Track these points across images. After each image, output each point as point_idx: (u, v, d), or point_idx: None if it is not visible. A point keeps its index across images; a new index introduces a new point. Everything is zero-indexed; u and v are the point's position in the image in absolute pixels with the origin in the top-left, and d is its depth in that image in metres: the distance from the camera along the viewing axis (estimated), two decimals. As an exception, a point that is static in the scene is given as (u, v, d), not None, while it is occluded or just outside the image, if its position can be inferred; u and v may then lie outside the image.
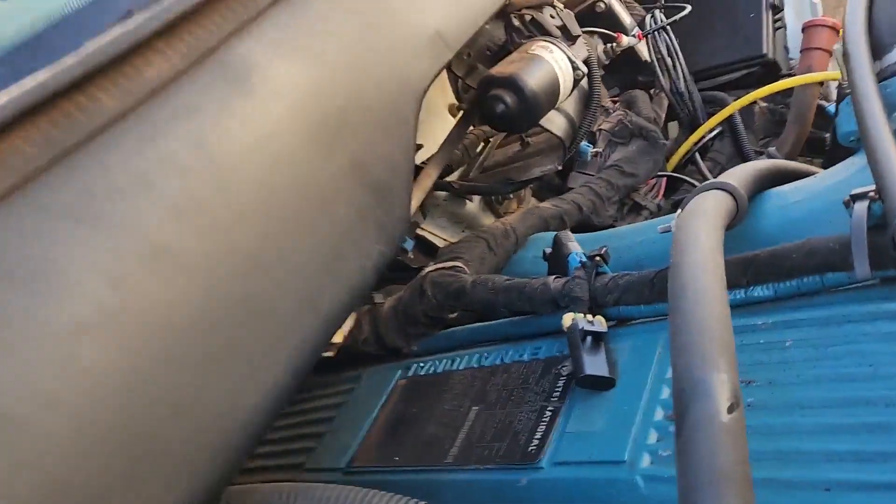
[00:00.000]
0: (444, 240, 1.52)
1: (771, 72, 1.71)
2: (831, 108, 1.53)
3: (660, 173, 1.54)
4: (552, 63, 1.14)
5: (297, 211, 0.67)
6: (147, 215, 0.54)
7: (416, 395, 1.07)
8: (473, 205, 1.54)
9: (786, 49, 1.77)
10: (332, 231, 0.68)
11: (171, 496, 0.53)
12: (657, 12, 1.61)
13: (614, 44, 1.54)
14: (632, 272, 0.92)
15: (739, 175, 0.92)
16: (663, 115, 1.60)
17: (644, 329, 0.89)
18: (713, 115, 1.65)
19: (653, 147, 1.48)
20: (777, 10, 1.71)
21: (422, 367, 1.12)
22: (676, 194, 1.62)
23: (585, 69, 1.22)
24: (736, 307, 0.83)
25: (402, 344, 1.20)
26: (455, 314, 1.25)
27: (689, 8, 1.59)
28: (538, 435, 0.85)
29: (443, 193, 1.47)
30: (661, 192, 1.58)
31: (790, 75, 1.66)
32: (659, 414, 0.77)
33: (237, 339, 0.60)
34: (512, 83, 1.10)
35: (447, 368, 1.08)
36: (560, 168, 1.36)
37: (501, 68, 1.13)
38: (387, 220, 0.72)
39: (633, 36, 1.54)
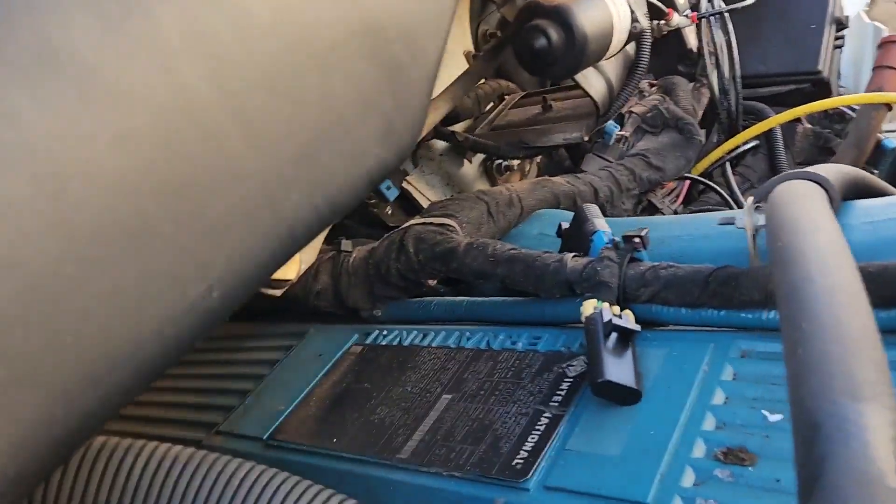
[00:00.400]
0: (430, 201, 1.31)
1: (820, 92, 1.54)
2: (889, 142, 1.36)
3: (686, 175, 1.35)
4: (610, 6, 0.94)
5: (276, 71, 0.45)
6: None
7: (371, 368, 0.86)
8: (471, 167, 1.33)
9: (839, 73, 1.61)
10: (320, 110, 0.47)
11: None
12: (715, -3, 1.43)
13: (663, 21, 1.34)
14: (678, 264, 0.72)
15: (830, 172, 0.73)
16: (700, 112, 1.42)
17: (685, 337, 0.69)
18: (751, 126, 1.47)
19: (687, 142, 1.29)
20: (841, 26, 1.54)
21: (384, 336, 0.91)
22: (696, 203, 1.44)
23: (646, 24, 1.02)
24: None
25: (365, 305, 0.99)
26: (435, 281, 1.04)
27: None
28: (527, 446, 0.64)
29: (442, 144, 1.26)
30: (682, 196, 1.40)
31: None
32: (700, 449, 0.58)
33: (171, 222, 0.39)
34: (560, 15, 0.90)
35: (416, 342, 0.87)
36: (586, 139, 1.17)
37: (550, -3, 0.93)
38: (396, 116, 0.51)
39: (686, 16, 1.35)
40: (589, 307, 0.69)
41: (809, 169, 0.74)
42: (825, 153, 1.51)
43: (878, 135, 1.34)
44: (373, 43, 0.50)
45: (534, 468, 0.62)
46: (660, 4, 1.29)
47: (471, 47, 1.35)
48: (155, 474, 0.49)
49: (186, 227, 0.39)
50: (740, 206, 1.36)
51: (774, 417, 0.58)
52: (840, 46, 1.56)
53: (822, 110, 1.48)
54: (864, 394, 0.35)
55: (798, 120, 1.49)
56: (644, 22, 1.02)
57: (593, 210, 0.85)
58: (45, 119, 0.35)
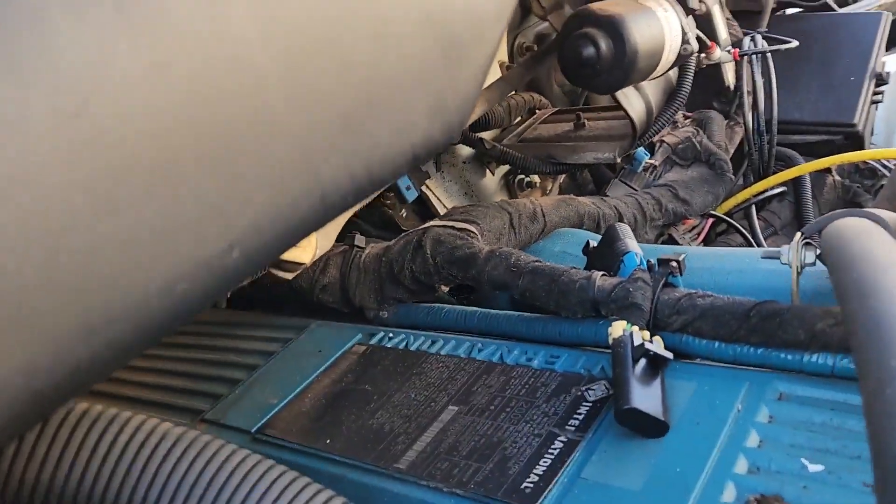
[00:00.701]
0: (447, 208, 1.27)
1: (853, 146, 1.51)
2: (921, 201, 1.33)
3: (710, 213, 1.31)
4: (663, 22, 0.91)
5: (330, 30, 0.41)
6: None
7: (373, 369, 0.81)
8: (493, 179, 1.29)
9: (872, 129, 1.58)
10: (370, 75, 0.43)
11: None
12: (759, 37, 1.40)
13: (704, 54, 1.31)
14: (717, 294, 0.68)
15: (884, 214, 0.69)
16: (732, 151, 1.38)
17: (717, 373, 0.65)
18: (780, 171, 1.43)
19: (717, 179, 1.26)
20: (881, 81, 1.52)
21: (390, 338, 0.86)
22: (716, 243, 1.40)
23: (696, 47, 0.99)
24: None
25: (372, 304, 0.94)
26: (448, 288, 1.00)
27: (796, 42, 1.38)
28: (539, 470, 0.60)
29: (466, 151, 1.22)
30: (704, 234, 1.36)
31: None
32: (730, 493, 0.53)
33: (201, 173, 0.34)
34: (613, 25, 0.87)
35: (423, 348, 0.83)
36: (618, 160, 1.13)
37: (602, 5, 0.89)
38: (449, 94, 0.47)
39: (728, 52, 1.32)
40: (618, 329, 0.65)
41: (861, 211, 0.70)
42: (853, 207, 1.47)
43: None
44: (435, 16, 0.46)
45: (544, 494, 0.57)
46: (703, 37, 1.26)
47: (505, 58, 1.31)
48: (139, 451, 0.44)
49: (214, 175, 0.35)
50: (763, 251, 1.32)
51: (815, 468, 0.53)
52: (878, 102, 1.53)
53: (854, 164, 1.45)
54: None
55: (828, 171, 1.45)
56: (694, 44, 0.99)
57: (625, 230, 0.81)
58: (78, 31, 0.31)
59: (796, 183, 1.42)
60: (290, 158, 0.39)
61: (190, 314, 0.37)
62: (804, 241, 0.68)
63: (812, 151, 1.54)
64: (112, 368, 0.34)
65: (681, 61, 1.00)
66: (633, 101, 1.04)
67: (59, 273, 0.30)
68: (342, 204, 0.41)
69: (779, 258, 0.70)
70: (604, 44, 0.87)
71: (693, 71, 1.10)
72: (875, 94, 1.51)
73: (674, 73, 1.13)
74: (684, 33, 0.96)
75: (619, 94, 1.01)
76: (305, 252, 0.74)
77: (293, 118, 0.39)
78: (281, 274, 0.76)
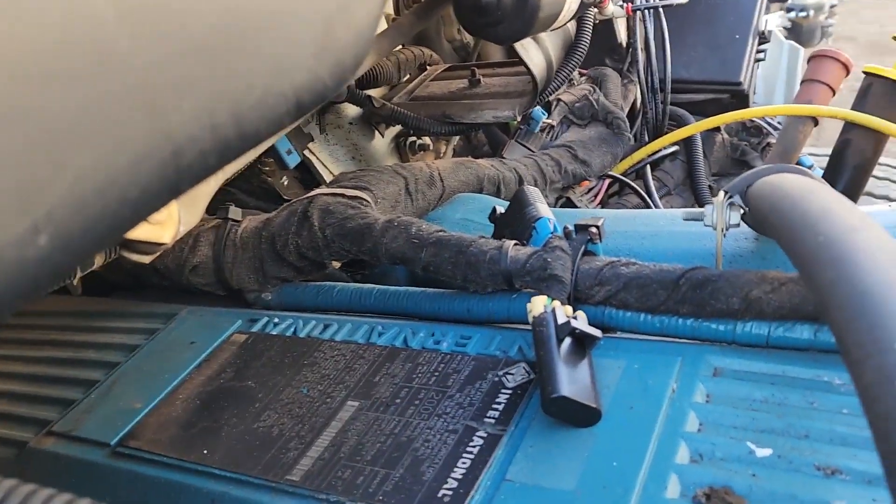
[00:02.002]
0: (333, 175, 1.16)
1: (738, 104, 1.52)
2: (806, 159, 1.34)
3: (607, 173, 1.27)
4: (565, -33, 0.83)
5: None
6: None
7: (257, 362, 0.70)
8: (382, 142, 1.19)
9: (755, 87, 1.59)
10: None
11: None
12: (650, -8, 1.36)
13: (597, 9, 1.25)
14: (642, 262, 0.61)
15: (802, 171, 0.65)
16: (626, 109, 1.35)
17: (647, 348, 0.58)
18: (672, 131, 1.42)
19: (615, 139, 1.21)
20: (763, 40, 1.52)
21: (275, 324, 0.76)
22: (612, 204, 1.36)
23: (598, -4, 0.92)
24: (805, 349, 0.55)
25: (252, 285, 0.83)
26: (340, 263, 0.89)
27: (686, -1, 1.35)
28: (457, 473, 0.51)
29: (353, 111, 1.11)
30: (601, 196, 1.32)
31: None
32: (674, 488, 0.47)
33: None
34: (513, -31, 0.78)
35: (315, 334, 0.72)
36: (519, 118, 1.05)
37: (502, -53, 0.80)
38: (339, 23, 0.37)
39: (621, 6, 1.28)
40: (539, 305, 0.57)
41: (781, 165, 0.65)
42: (740, 165, 1.48)
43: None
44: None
45: (466, 502, 0.49)
46: (596, -11, 1.20)
47: (391, 10, 1.20)
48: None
49: (9, 122, 0.24)
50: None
51: (763, 452, 0.48)
52: (760, 60, 1.54)
53: (741, 122, 1.45)
54: None
55: (717, 130, 1.45)
56: (596, -6, 0.92)
57: (535, 194, 0.74)
58: None
59: (688, 142, 1.40)
60: (124, 97, 0.27)
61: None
62: (728, 200, 0.63)
63: (700, 110, 1.54)
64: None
65: (582, 10, 0.94)
66: (533, 54, 0.96)
67: None
68: (202, 164, 0.31)
69: (701, 220, 0.65)
70: (504, -12, 0.78)
71: (592, 24, 1.04)
72: (758, 51, 1.52)
73: (572, 27, 1.06)
74: (587, -21, 0.89)
75: (519, 48, 0.93)
76: (165, 229, 0.61)
77: (127, 41, 0.28)
78: (135, 257, 0.64)
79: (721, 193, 0.64)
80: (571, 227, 0.65)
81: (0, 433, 0.72)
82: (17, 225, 0.25)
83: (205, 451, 0.61)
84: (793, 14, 3.43)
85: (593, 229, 0.64)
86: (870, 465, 0.45)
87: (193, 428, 0.64)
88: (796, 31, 3.54)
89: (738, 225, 0.64)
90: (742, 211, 0.63)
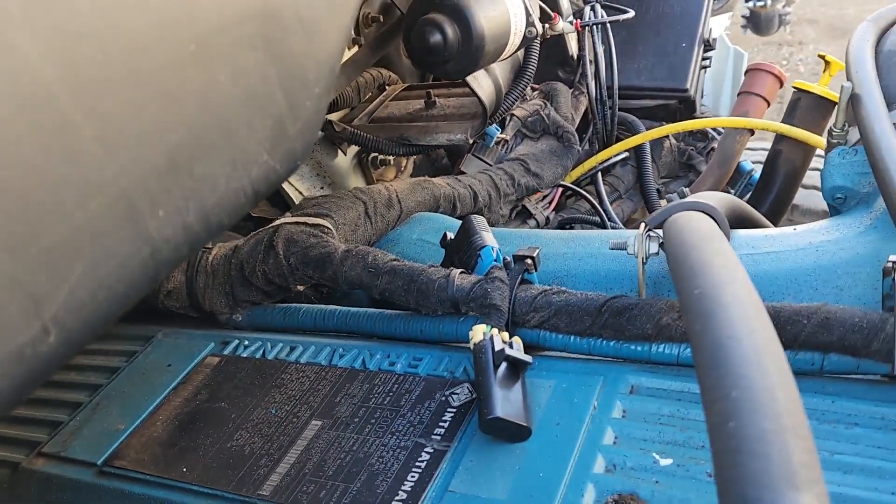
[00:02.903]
0: (300, 192, 1.22)
1: (686, 110, 1.59)
2: (746, 164, 1.43)
3: (560, 182, 1.35)
4: (508, 5, 0.90)
5: (145, 56, 0.36)
6: None
7: (229, 384, 0.77)
8: (345, 159, 1.25)
9: (702, 91, 1.67)
10: (197, 108, 0.38)
11: None
12: (598, 6, 1.43)
13: (548, 25, 1.32)
14: (569, 290, 0.69)
15: (716, 201, 0.73)
16: (577, 121, 1.42)
17: (574, 368, 0.66)
18: (622, 138, 1.50)
19: (565, 151, 1.29)
20: (708, 47, 1.60)
21: (245, 346, 0.82)
22: (566, 210, 1.44)
23: (540, 28, 0.99)
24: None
25: (223, 308, 0.89)
26: (304, 287, 0.96)
27: (632, 12, 1.42)
28: (406, 486, 0.59)
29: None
30: (555, 203, 1.39)
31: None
32: (590, 495, 0.55)
33: None
34: (458, 12, 0.85)
35: (282, 356, 0.79)
36: (470, 142, 1.12)
37: (446, -11, 0.86)
38: (289, 118, 0.43)
39: (570, 23, 1.35)
40: (479, 333, 0.65)
41: (696, 198, 0.73)
42: (687, 169, 1.57)
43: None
44: (266, 29, 0.42)
45: (414, 511, 0.57)
46: (547, 8, 1.27)
47: (351, 32, 1.26)
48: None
49: (15, 250, 0.30)
50: (609, 217, 1.38)
51: (665, 462, 0.56)
52: (706, 67, 1.62)
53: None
54: (801, 481, 0.33)
55: (665, 136, 1.53)
56: (538, 26, 0.99)
57: (481, 222, 0.81)
58: None
59: (637, 150, 1.48)
60: (109, 217, 0.34)
61: (6, 411, 0.32)
62: (647, 232, 0.71)
63: (650, 115, 1.61)
64: None
65: (526, 43, 1.00)
66: (483, 81, 1.03)
67: None
68: (176, 258, 0.37)
69: (626, 249, 0.72)
70: (450, 30, 0.85)
71: (538, 49, 1.11)
72: (704, 59, 1.60)
73: (520, 52, 1.13)
74: (528, 15, 0.96)
75: (469, 78, 1.00)
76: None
77: (109, 169, 0.34)
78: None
79: (641, 226, 0.72)
80: (510, 258, 0.73)
81: (-7, 455, 0.79)
82: (31, 329, 0.31)
83: (184, 469, 0.68)
84: (751, 3, 3.52)
85: (528, 260, 0.71)
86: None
87: (173, 447, 0.71)
88: (755, 20, 3.63)
89: (657, 253, 0.72)
90: (660, 241, 0.71)
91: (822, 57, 1.31)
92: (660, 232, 0.71)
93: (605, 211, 1.40)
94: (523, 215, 1.36)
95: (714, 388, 0.39)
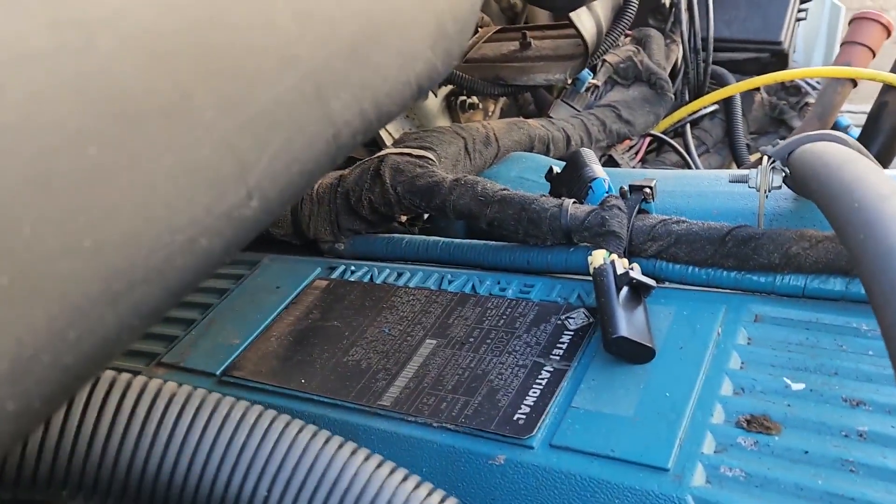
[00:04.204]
0: (388, 133, 1.23)
1: (778, 64, 1.55)
2: (843, 120, 1.38)
3: (648, 132, 1.33)
4: (620, -62, 0.88)
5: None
6: None
7: (339, 305, 0.79)
8: (435, 101, 1.25)
9: (795, 46, 1.61)
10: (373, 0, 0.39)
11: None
12: (695, -48, 1.39)
13: (643, -30, 1.29)
14: (690, 220, 0.68)
15: (840, 139, 0.71)
16: (668, 69, 1.39)
17: (694, 297, 0.66)
18: (711, 90, 1.46)
19: (658, 99, 1.26)
20: (805, -1, 1.55)
21: (352, 271, 0.84)
22: (653, 162, 1.42)
23: (650, -37, 0.97)
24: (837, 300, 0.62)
25: (327, 236, 0.91)
26: (407, 218, 0.97)
27: (730, -43, 1.38)
28: (528, 401, 0.60)
29: (410, 72, 1.17)
30: (642, 153, 1.37)
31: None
32: (719, 415, 0.55)
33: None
34: (574, -59, 0.83)
35: (390, 281, 0.81)
36: (570, 81, 1.11)
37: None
38: (449, 17, 0.44)
39: (666, -33, 1.31)
40: (599, 258, 0.65)
41: (816, 135, 0.71)
42: (778, 124, 1.53)
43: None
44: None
45: (538, 425, 0.58)
46: (643, -49, 1.24)
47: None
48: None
49: (230, 114, 0.31)
50: (697, 168, 1.35)
51: (797, 386, 0.55)
52: (801, 19, 1.57)
53: (780, 82, 1.48)
54: None
55: (756, 89, 1.49)
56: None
57: (590, 155, 0.80)
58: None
59: (727, 102, 1.45)
60: (303, 94, 0.35)
61: (210, 271, 0.34)
62: (772, 164, 0.69)
63: (740, 69, 1.57)
64: (137, 335, 0.30)
65: (634, -24, 0.98)
66: (585, 20, 1.02)
67: (78, 234, 0.26)
68: (352, 143, 0.38)
69: (746, 182, 0.71)
70: (565, -40, 0.84)
71: (640, -11, 1.09)
72: (799, 11, 1.54)
73: (622, -9, 1.11)
74: (640, -51, 0.94)
75: (573, 15, 0.98)
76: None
77: (304, 48, 0.35)
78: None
79: (765, 158, 0.70)
80: (626, 188, 0.72)
81: (118, 366, 0.82)
82: (239, 192, 0.32)
83: (302, 381, 0.70)
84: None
85: (647, 189, 0.71)
86: (891, 398, 0.52)
87: (290, 361, 0.73)
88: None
89: (779, 187, 0.70)
90: (784, 174, 0.69)
91: None
92: (782, 166, 0.70)
93: (692, 163, 1.38)
94: (609, 164, 1.35)
95: (887, 292, 0.38)
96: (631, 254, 0.70)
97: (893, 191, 0.46)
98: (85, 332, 0.26)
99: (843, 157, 0.55)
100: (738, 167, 1.44)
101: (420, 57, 0.42)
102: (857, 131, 1.37)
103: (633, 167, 1.37)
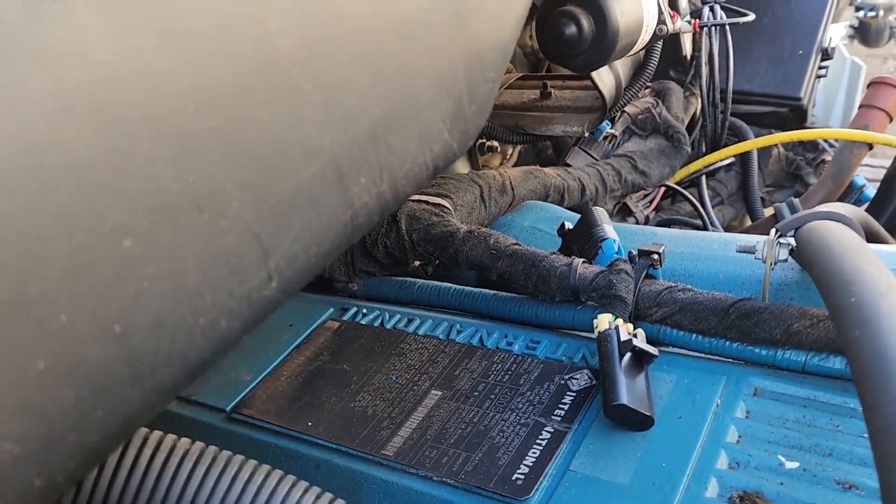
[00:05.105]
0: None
1: (796, 119, 1.56)
2: (859, 179, 1.40)
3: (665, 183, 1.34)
4: (642, 2, 0.90)
5: (361, 32, 0.39)
6: None
7: (350, 348, 0.81)
8: (455, 143, 1.27)
9: (814, 102, 1.63)
10: (397, 84, 0.41)
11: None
12: (717, 7, 1.41)
13: (664, 24, 1.31)
14: (696, 289, 0.70)
15: (850, 213, 0.72)
16: (686, 121, 1.41)
17: (696, 366, 0.67)
18: (729, 143, 1.48)
19: (674, 151, 1.28)
20: (826, 56, 1.56)
21: (363, 315, 0.86)
22: (667, 211, 1.44)
23: (671, 27, 0.99)
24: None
25: (341, 277, 0.93)
26: (420, 263, 0.99)
27: (753, 15, 1.40)
28: (528, 461, 0.61)
29: (432, 115, 1.20)
30: (656, 202, 1.39)
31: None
32: (713, 489, 0.56)
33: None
34: (596, 5, 0.86)
35: (400, 327, 0.83)
36: (587, 134, 1.13)
37: (585, -18, 0.88)
38: (467, 100, 0.46)
39: (688, 22, 1.33)
40: (604, 322, 0.66)
41: (828, 208, 0.73)
42: (793, 179, 1.54)
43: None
44: (458, 9, 0.45)
45: (536, 487, 0.59)
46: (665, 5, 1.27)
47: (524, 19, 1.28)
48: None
49: (255, 202, 0.33)
50: (711, 221, 1.36)
51: (791, 465, 0.56)
52: (822, 77, 1.58)
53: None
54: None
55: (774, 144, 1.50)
56: (669, 25, 0.99)
57: (602, 215, 0.82)
58: (108, 42, 0.29)
59: (744, 155, 1.46)
60: (325, 179, 0.37)
61: (226, 351, 0.36)
62: (778, 238, 0.71)
63: (758, 121, 1.59)
64: (156, 413, 0.32)
65: (654, 41, 1.01)
66: (605, 76, 1.04)
67: (109, 322, 0.28)
68: (368, 224, 0.40)
69: (753, 253, 0.72)
70: (586, 23, 0.86)
71: (660, 48, 1.11)
72: (820, 67, 1.56)
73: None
74: (660, 13, 0.96)
75: (593, 73, 1.00)
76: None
77: (327, 135, 0.37)
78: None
79: (773, 231, 0.72)
80: (635, 252, 0.74)
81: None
82: (260, 275, 0.35)
83: (309, 423, 0.72)
84: (861, 13, 3.38)
85: (655, 256, 0.72)
86: (882, 484, 0.53)
87: (298, 402, 0.75)
88: (864, 31, 3.48)
89: (785, 260, 0.71)
90: (790, 248, 0.71)
91: None
92: (789, 239, 0.71)
93: (706, 215, 1.39)
94: (623, 212, 1.37)
95: (877, 394, 0.40)
96: (636, 317, 0.71)
97: (891, 287, 0.47)
98: (110, 411, 0.28)
99: (846, 244, 0.57)
100: (752, 220, 1.45)
101: (437, 139, 0.45)
102: (872, 189, 1.38)
103: (648, 215, 1.39)
